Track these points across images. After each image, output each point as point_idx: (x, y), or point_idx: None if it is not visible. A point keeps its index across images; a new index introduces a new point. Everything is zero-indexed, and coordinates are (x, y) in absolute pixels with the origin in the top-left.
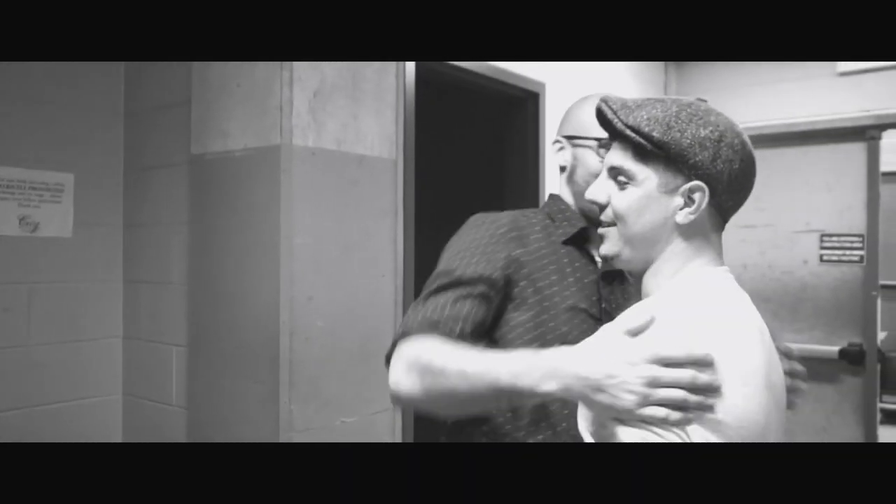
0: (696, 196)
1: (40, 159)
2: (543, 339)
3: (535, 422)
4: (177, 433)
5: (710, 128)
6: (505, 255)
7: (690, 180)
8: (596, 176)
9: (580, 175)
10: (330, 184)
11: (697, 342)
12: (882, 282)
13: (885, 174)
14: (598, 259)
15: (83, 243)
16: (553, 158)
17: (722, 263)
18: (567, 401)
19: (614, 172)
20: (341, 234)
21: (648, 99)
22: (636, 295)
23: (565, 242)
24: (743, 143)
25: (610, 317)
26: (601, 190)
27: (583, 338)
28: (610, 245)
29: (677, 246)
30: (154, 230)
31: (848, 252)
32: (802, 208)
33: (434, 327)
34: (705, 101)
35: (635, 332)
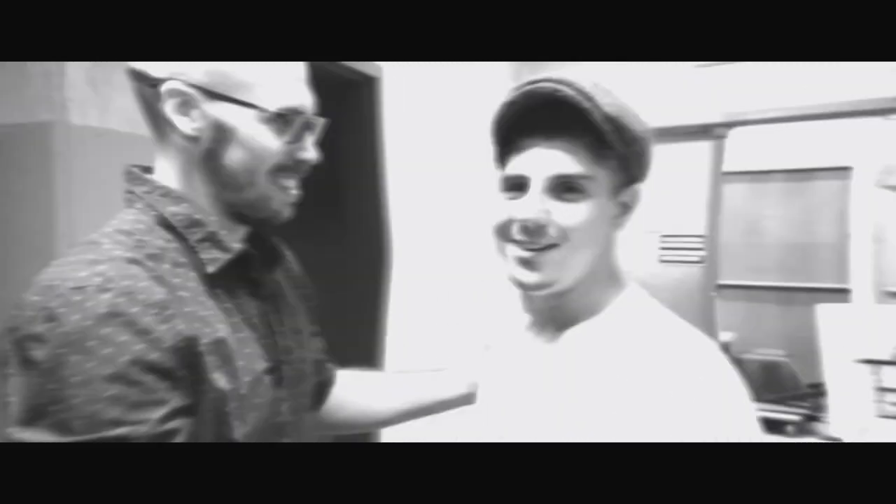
0: (633, 198)
1: None
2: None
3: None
4: None
5: (639, 113)
6: (175, 339)
7: (634, 180)
8: (253, 161)
9: (234, 157)
10: (121, 170)
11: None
12: (724, 281)
13: (728, 173)
14: (252, 274)
15: None
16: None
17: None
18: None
19: (560, 181)
20: None
21: (585, 77)
22: (293, 303)
23: (214, 275)
24: None
25: (287, 353)
26: (540, 208)
27: (270, 416)
28: (548, 273)
29: (607, 258)
30: None
31: (688, 252)
32: (643, 207)
33: None
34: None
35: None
